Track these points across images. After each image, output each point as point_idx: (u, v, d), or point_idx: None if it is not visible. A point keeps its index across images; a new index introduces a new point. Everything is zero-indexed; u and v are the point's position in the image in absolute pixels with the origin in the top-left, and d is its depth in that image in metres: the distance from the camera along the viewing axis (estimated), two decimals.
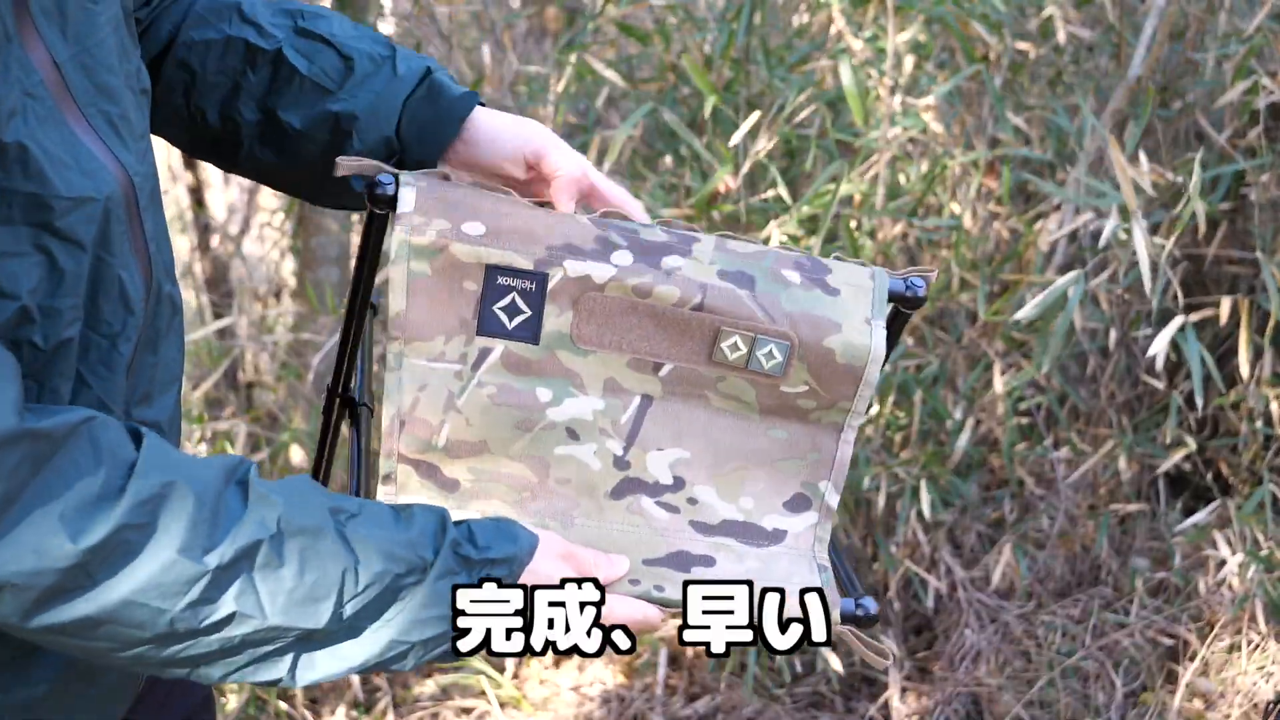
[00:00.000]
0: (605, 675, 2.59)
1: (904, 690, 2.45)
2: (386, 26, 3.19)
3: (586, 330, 0.98)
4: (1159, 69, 2.65)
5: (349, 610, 0.82)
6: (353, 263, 3.85)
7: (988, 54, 2.44)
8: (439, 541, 0.86)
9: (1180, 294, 2.48)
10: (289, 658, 0.82)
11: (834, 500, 1.05)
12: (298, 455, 3.01)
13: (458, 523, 0.89)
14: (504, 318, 0.97)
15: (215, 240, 3.90)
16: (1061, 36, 2.61)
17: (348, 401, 1.12)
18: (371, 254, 0.98)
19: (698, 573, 1.00)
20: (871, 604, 1.01)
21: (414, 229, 0.94)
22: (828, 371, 1.00)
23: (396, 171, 0.95)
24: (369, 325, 1.10)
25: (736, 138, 2.30)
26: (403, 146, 1.06)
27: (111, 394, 0.88)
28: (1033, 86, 2.75)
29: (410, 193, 0.94)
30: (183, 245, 3.98)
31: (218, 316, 3.56)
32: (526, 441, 0.99)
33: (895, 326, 1.04)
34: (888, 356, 1.04)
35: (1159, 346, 2.24)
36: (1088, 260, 2.65)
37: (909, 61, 2.53)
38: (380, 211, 0.95)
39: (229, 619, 0.78)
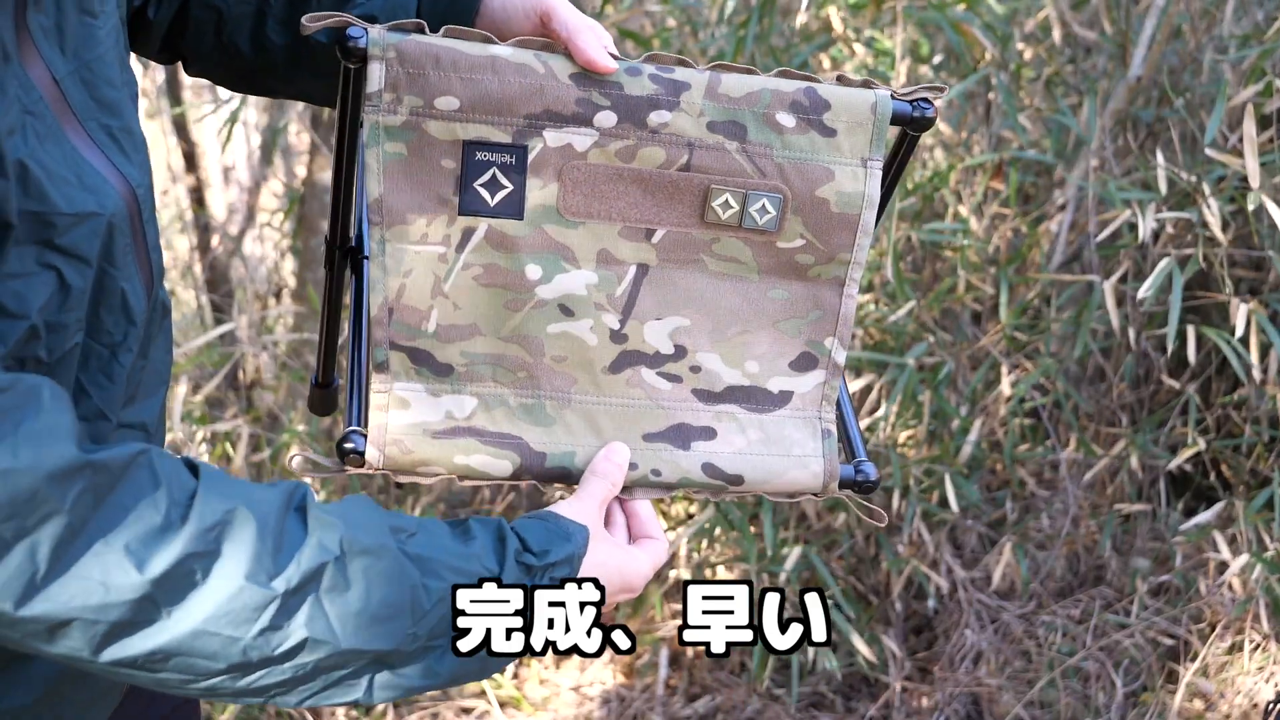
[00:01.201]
0: (605, 675, 2.59)
1: (904, 690, 2.45)
2: None
3: (573, 201, 0.95)
4: (1162, 68, 2.65)
5: (423, 629, 0.82)
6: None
7: (984, 56, 2.44)
8: (501, 554, 0.86)
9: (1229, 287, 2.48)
10: (365, 678, 0.81)
11: (840, 356, 1.02)
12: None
13: (510, 527, 0.90)
14: (486, 194, 0.94)
15: (215, 240, 3.90)
16: (1057, 36, 2.61)
17: (348, 252, 1.09)
18: (352, 105, 0.92)
19: (697, 448, 0.99)
20: (871, 469, 1.01)
21: (385, 109, 0.91)
22: (823, 222, 0.98)
23: (366, 25, 0.90)
24: (360, 172, 1.05)
25: None
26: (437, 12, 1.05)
27: (110, 403, 0.88)
28: (1031, 87, 2.75)
29: (378, 68, 0.90)
30: (183, 245, 3.98)
31: (218, 318, 3.56)
32: (518, 321, 0.97)
33: (904, 150, 0.99)
34: (896, 177, 1.00)
35: (1241, 324, 2.24)
36: (1092, 261, 2.65)
37: (905, 66, 2.53)
38: (354, 65, 0.90)
39: (302, 645, 0.77)
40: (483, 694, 2.50)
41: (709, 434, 1.00)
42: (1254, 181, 2.13)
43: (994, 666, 2.43)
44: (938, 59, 2.67)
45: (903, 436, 2.58)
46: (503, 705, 2.49)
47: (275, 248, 4.13)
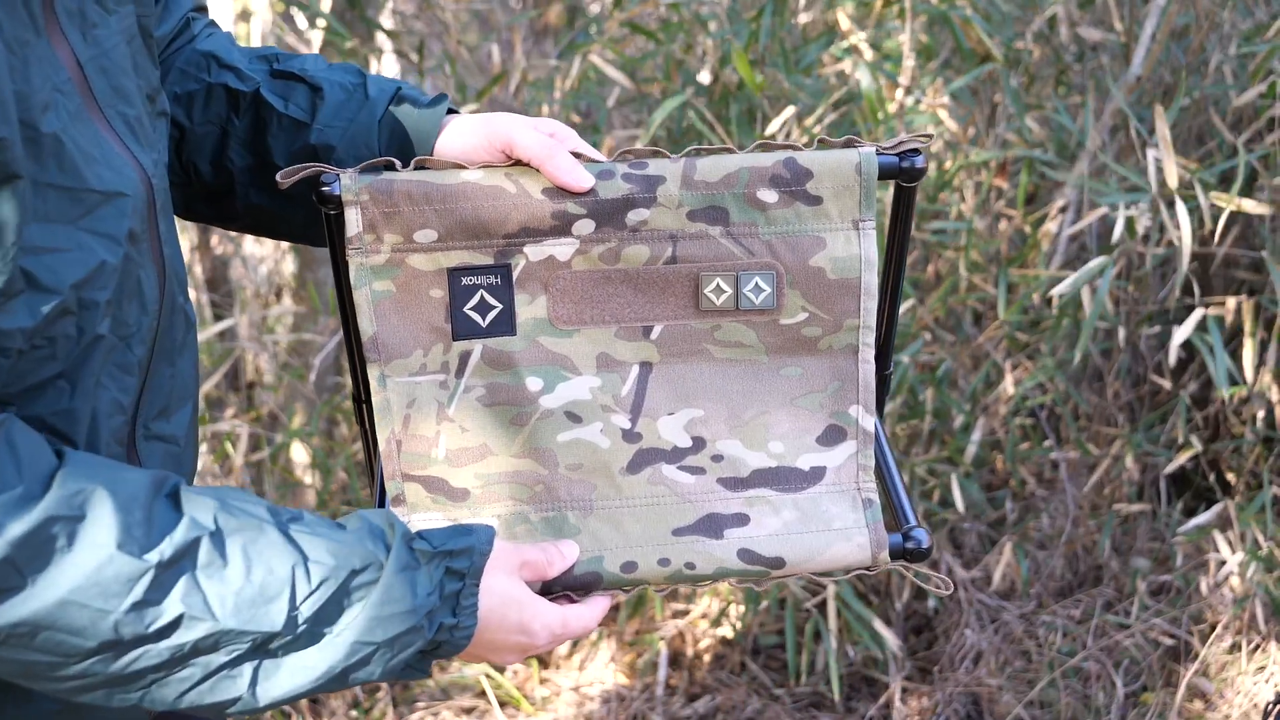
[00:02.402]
0: (605, 675, 2.59)
1: (904, 690, 2.45)
2: (390, 22, 3.19)
3: (564, 310, 0.96)
4: (1165, 68, 2.65)
5: (305, 611, 0.79)
6: None
7: (989, 54, 2.44)
8: (389, 537, 0.84)
9: (1198, 290, 2.48)
10: (247, 671, 0.78)
11: (869, 423, 1.00)
12: (300, 455, 3.01)
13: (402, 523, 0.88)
14: (476, 317, 0.95)
15: (215, 240, 3.90)
16: (1064, 35, 2.61)
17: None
18: (341, 255, 0.95)
19: (731, 535, 0.97)
20: (923, 536, 0.97)
21: (367, 249, 0.92)
22: (823, 291, 0.96)
23: (338, 171, 0.92)
24: None
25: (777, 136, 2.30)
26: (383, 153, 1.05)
27: (126, 395, 0.88)
28: (1034, 86, 2.76)
29: (354, 213, 0.92)
30: (183, 245, 3.98)
31: (218, 317, 3.56)
32: (526, 434, 0.97)
33: (903, 203, 0.97)
34: (904, 236, 0.98)
35: (1182, 335, 2.24)
36: (1091, 260, 2.65)
37: (911, 63, 2.53)
38: (332, 212, 0.93)
39: (177, 622, 0.75)
40: (483, 694, 2.50)
41: (742, 520, 0.98)
42: (1171, 181, 2.14)
43: (994, 666, 2.43)
44: (944, 56, 2.67)
45: (903, 436, 2.58)
46: (503, 705, 2.49)
47: (275, 248, 4.13)
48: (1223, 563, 2.44)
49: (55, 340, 0.80)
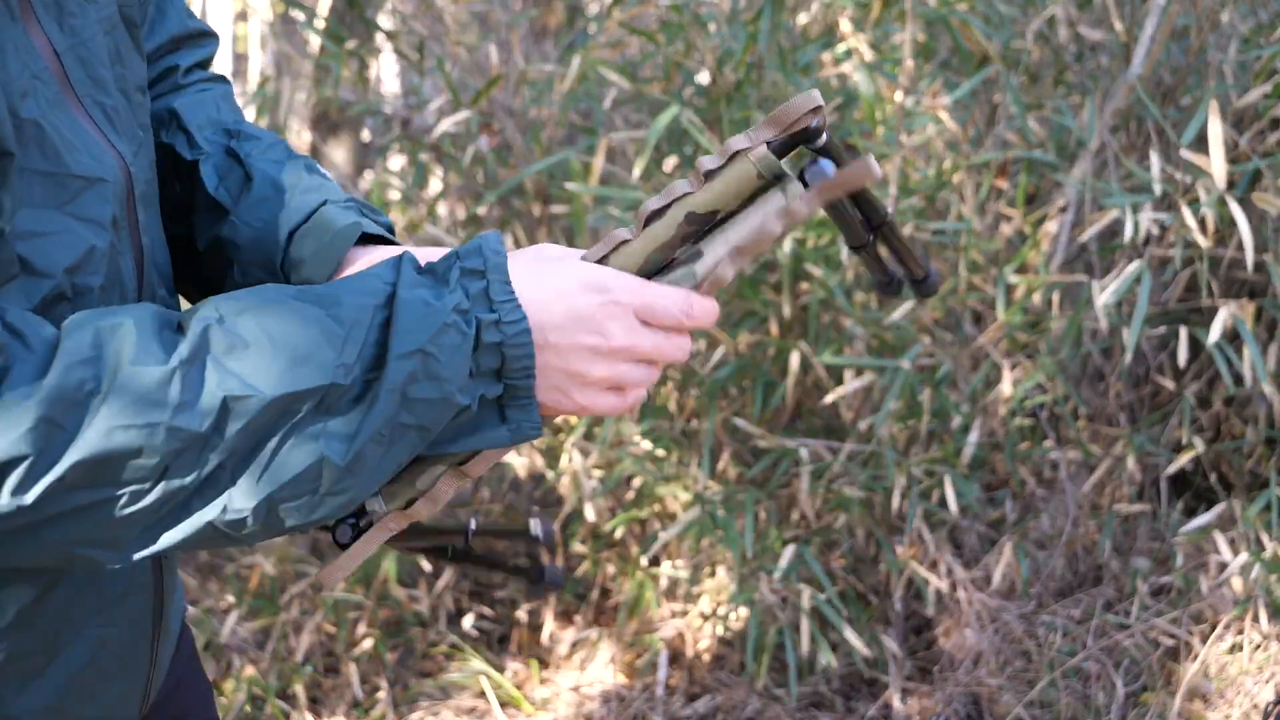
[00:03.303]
0: (605, 675, 2.59)
1: (904, 690, 2.45)
2: (389, 23, 3.19)
3: None
4: (1166, 68, 2.65)
5: (349, 355, 0.76)
6: None
7: (987, 55, 2.44)
8: (397, 267, 0.81)
9: (1217, 290, 2.47)
10: (317, 432, 0.76)
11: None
12: None
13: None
14: None
15: None
16: (1063, 36, 2.61)
17: None
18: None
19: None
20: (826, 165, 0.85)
21: None
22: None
23: (355, 526, 0.90)
24: None
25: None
26: (286, 276, 1.00)
27: None
28: (1034, 86, 2.75)
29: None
30: None
31: None
32: None
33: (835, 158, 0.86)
34: (864, 197, 0.89)
35: (1214, 334, 2.23)
36: (1092, 261, 2.65)
37: (909, 64, 2.53)
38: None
39: (225, 409, 0.73)
40: (483, 694, 2.50)
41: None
42: (1219, 182, 2.13)
43: (994, 666, 2.43)
44: (942, 56, 2.67)
45: (902, 437, 2.58)
46: (503, 705, 2.49)
47: None
48: (1224, 565, 2.44)
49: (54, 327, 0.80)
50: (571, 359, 0.82)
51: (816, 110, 0.83)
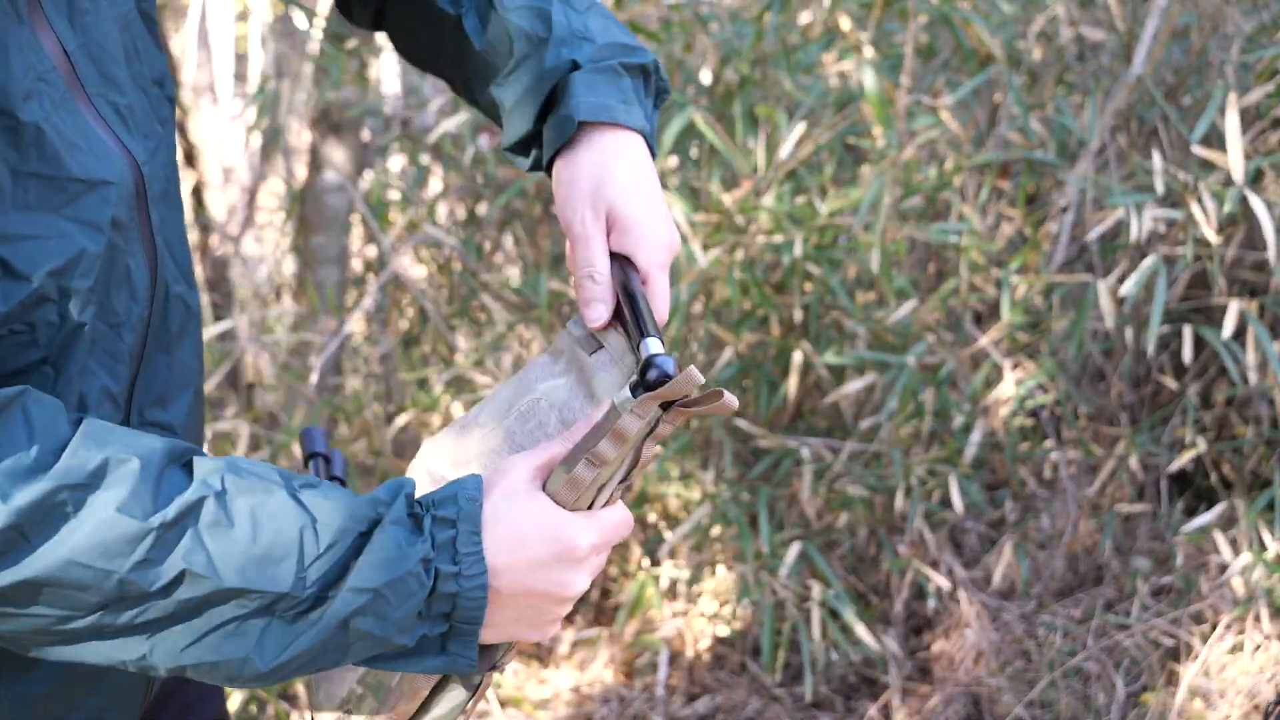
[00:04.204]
0: (605, 675, 2.59)
1: (904, 690, 2.45)
2: None
3: None
4: (1168, 68, 2.65)
5: (313, 573, 0.78)
6: (353, 263, 3.83)
7: (990, 54, 2.44)
8: (395, 496, 0.82)
9: (1223, 288, 2.47)
10: (255, 629, 0.78)
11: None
12: (300, 455, 3.01)
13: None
14: None
15: (215, 240, 3.90)
16: (1065, 36, 2.61)
17: None
18: None
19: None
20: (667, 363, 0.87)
21: None
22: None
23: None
24: None
25: (787, 149, 2.30)
26: (543, 143, 1.02)
27: (117, 383, 0.88)
28: (1035, 86, 2.75)
29: None
30: None
31: (218, 318, 3.56)
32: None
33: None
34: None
35: (1226, 331, 2.22)
36: (1093, 261, 2.65)
37: (911, 63, 2.53)
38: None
39: (179, 579, 0.75)
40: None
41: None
42: (1237, 176, 2.13)
43: (994, 666, 2.43)
44: (944, 56, 2.67)
45: (904, 437, 2.58)
46: (503, 705, 2.49)
47: (275, 248, 4.13)
48: (1224, 565, 2.44)
49: (35, 326, 0.80)
50: (534, 605, 0.84)
51: (696, 388, 0.85)
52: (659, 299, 0.97)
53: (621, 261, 0.98)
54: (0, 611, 0.75)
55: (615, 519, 0.87)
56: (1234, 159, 2.15)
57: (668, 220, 1.00)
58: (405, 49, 1.14)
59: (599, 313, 0.94)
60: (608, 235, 0.97)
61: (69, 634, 0.77)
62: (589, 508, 0.86)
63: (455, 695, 0.89)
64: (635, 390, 0.85)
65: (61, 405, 0.77)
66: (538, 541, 0.83)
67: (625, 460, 0.87)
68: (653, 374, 0.85)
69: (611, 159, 0.99)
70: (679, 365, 0.85)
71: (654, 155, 1.04)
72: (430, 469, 0.97)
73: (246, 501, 0.78)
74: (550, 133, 1.00)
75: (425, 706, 0.91)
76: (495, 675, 0.90)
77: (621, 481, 0.88)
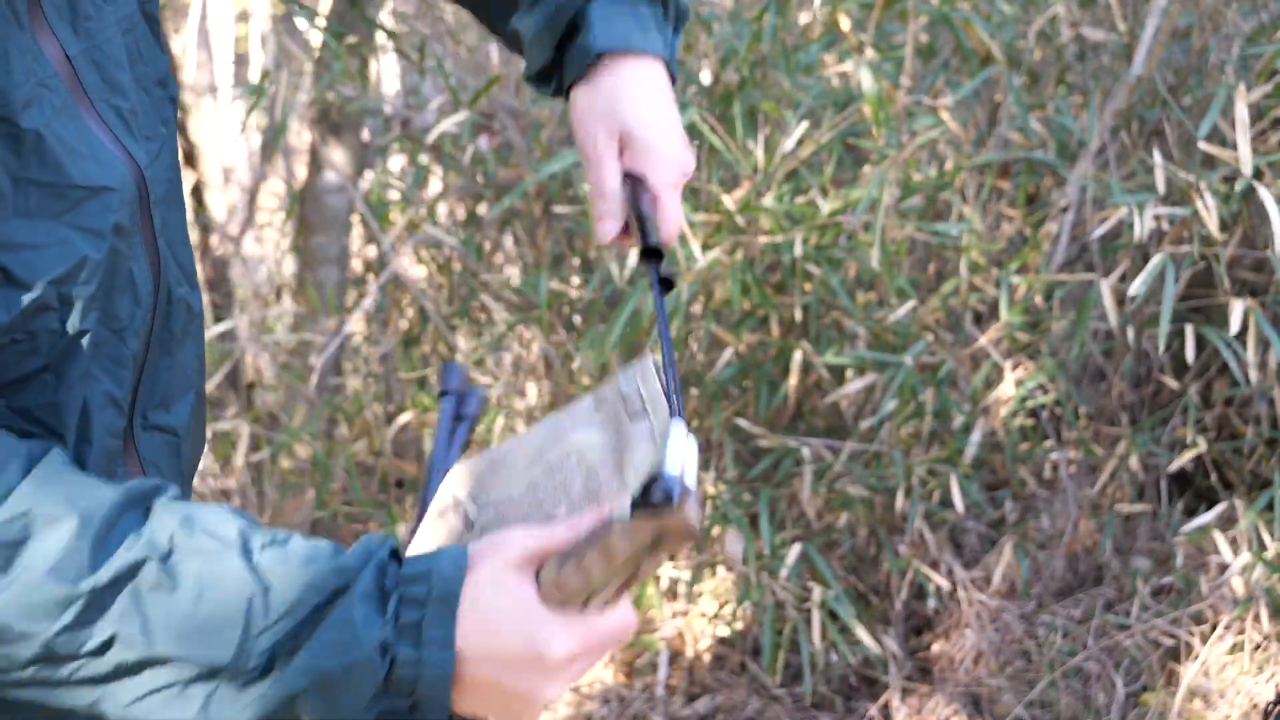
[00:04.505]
0: (605, 675, 2.59)
1: (904, 690, 2.45)
2: (390, 22, 3.19)
3: None
4: (1168, 68, 2.65)
5: (261, 644, 0.73)
6: (353, 263, 3.83)
7: (990, 54, 2.44)
8: (367, 564, 0.76)
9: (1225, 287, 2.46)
10: (199, 694, 0.74)
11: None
12: (301, 454, 3.01)
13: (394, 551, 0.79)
14: None
15: (215, 240, 3.90)
16: (1065, 36, 2.61)
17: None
18: None
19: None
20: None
21: None
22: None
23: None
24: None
25: (788, 149, 2.30)
26: (564, 73, 1.06)
27: (120, 388, 0.88)
28: (1035, 86, 2.75)
29: None
30: None
31: (218, 318, 3.56)
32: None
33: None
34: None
35: (1233, 327, 2.22)
36: (1093, 262, 2.65)
37: (911, 63, 2.53)
38: None
39: (109, 643, 0.72)
40: None
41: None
42: (1245, 169, 2.13)
43: (994, 666, 2.43)
44: (944, 56, 2.67)
45: (904, 437, 2.58)
46: None
47: (275, 248, 4.13)
48: (1224, 565, 2.44)
49: (36, 335, 0.79)
50: (505, 697, 0.78)
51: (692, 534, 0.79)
52: (669, 218, 1.00)
53: (634, 181, 1.01)
54: None
55: (607, 626, 0.79)
56: (1243, 150, 2.14)
57: (681, 141, 1.03)
58: None
59: (608, 228, 0.99)
60: (621, 155, 1.01)
61: (16, 683, 0.75)
62: (584, 604, 0.79)
63: None
64: (635, 505, 0.77)
65: (16, 447, 0.74)
66: (512, 638, 0.76)
67: (618, 575, 0.79)
68: (655, 495, 0.77)
69: (628, 84, 1.02)
70: (684, 491, 0.77)
71: (674, 79, 1.07)
72: (456, 495, 0.94)
73: (193, 565, 0.73)
74: (570, 63, 1.03)
75: None
76: None
77: (620, 589, 0.81)
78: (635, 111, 1.01)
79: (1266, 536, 2.39)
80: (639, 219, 0.99)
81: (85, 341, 0.83)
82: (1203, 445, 2.54)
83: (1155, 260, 2.21)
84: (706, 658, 2.58)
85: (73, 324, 0.81)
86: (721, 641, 2.60)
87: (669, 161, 1.01)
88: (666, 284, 0.96)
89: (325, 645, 0.73)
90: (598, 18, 1.02)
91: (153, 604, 0.72)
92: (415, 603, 0.75)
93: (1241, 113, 2.12)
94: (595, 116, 1.02)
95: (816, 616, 2.38)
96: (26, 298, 0.78)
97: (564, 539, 0.79)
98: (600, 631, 0.79)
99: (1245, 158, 2.14)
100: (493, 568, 0.78)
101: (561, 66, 1.06)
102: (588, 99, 1.02)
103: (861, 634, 2.39)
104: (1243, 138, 2.13)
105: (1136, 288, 2.21)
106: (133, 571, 0.72)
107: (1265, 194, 2.15)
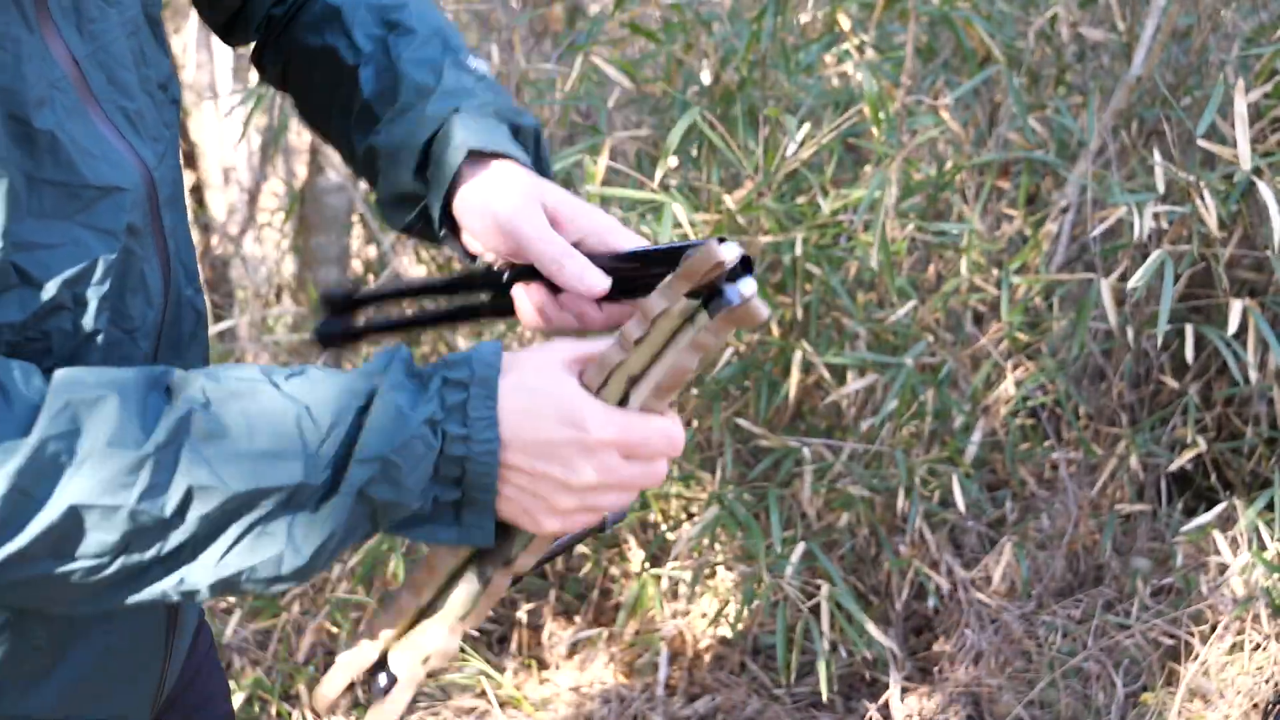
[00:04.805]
0: (605, 675, 2.59)
1: (904, 690, 2.45)
2: None
3: None
4: (1168, 68, 2.65)
5: (324, 456, 0.76)
6: (353, 263, 3.83)
7: (990, 54, 2.44)
8: (390, 364, 0.80)
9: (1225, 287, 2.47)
10: (282, 527, 0.76)
11: None
12: None
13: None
14: None
15: (215, 240, 3.90)
16: (1065, 36, 2.61)
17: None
18: None
19: None
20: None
21: None
22: None
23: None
24: None
25: (789, 149, 2.30)
26: (428, 190, 0.99)
27: None
28: (1035, 86, 2.76)
29: None
30: None
31: (218, 318, 3.56)
32: None
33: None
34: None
35: (1232, 327, 2.22)
36: (1094, 261, 2.65)
37: (911, 63, 2.53)
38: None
39: (188, 497, 0.74)
40: (483, 694, 2.50)
41: None
42: (1244, 163, 2.13)
43: (994, 666, 2.43)
44: (943, 56, 2.67)
45: (905, 437, 2.59)
46: (502, 705, 2.49)
47: (275, 248, 4.13)
48: (1224, 565, 2.44)
49: (50, 335, 0.80)
50: (539, 486, 0.82)
51: (719, 264, 0.81)
52: (585, 276, 0.93)
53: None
54: (29, 576, 0.74)
55: (649, 423, 0.83)
56: (1242, 149, 2.14)
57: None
58: (303, 107, 1.13)
59: (596, 278, 0.90)
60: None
61: (102, 583, 0.76)
62: (621, 404, 0.83)
63: (469, 586, 0.88)
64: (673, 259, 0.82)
65: (32, 365, 0.76)
66: (552, 419, 0.80)
67: (656, 352, 0.82)
68: (689, 253, 0.80)
69: (526, 174, 0.96)
70: (720, 251, 0.79)
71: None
72: None
73: (235, 406, 0.76)
74: (437, 172, 0.97)
75: (441, 595, 0.90)
76: (507, 582, 0.88)
77: (660, 385, 0.83)
78: (559, 190, 0.95)
79: (1266, 536, 2.39)
80: (637, 254, 0.92)
81: (98, 342, 0.83)
82: (1202, 445, 2.54)
83: (1154, 255, 2.21)
84: (706, 658, 2.58)
85: (86, 324, 0.82)
86: (722, 641, 2.60)
87: (615, 227, 0.95)
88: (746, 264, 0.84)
89: (376, 433, 0.77)
90: (463, 126, 0.96)
91: (212, 450, 0.75)
92: (459, 385, 0.79)
93: (1241, 109, 2.12)
94: (517, 197, 0.94)
95: (825, 609, 2.37)
96: (41, 298, 0.78)
97: (604, 349, 0.83)
98: (642, 426, 0.82)
99: (1245, 156, 2.14)
100: (536, 362, 0.82)
101: (418, 197, 0.99)
102: (490, 191, 0.95)
103: (871, 628, 2.39)
104: (1242, 136, 2.13)
105: (1135, 282, 2.21)
106: (184, 425, 0.75)
107: (1266, 192, 2.15)
